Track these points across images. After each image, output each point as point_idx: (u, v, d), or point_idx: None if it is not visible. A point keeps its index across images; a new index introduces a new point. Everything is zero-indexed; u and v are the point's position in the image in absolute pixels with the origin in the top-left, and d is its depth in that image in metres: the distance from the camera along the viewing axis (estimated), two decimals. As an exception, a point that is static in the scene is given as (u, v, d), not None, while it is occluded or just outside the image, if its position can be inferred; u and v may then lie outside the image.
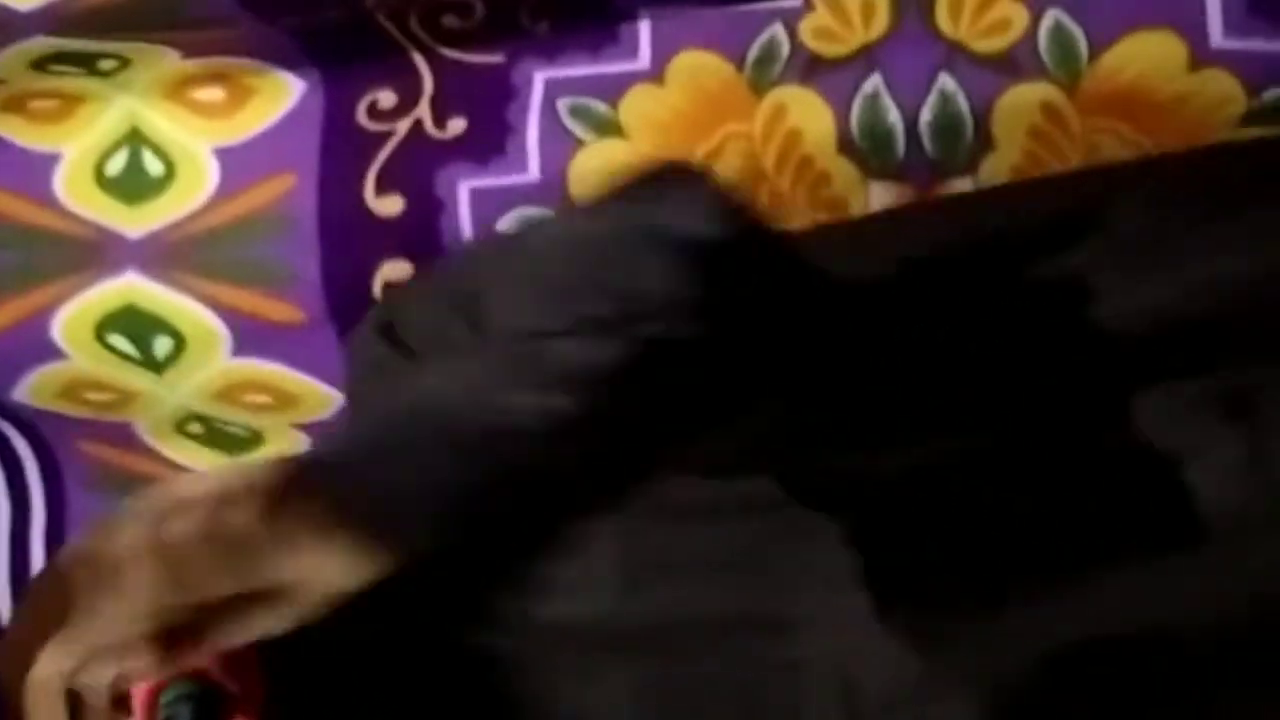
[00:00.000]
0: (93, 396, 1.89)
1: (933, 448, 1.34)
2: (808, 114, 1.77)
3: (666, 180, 1.32)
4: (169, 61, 1.82)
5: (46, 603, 1.40)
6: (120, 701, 1.19)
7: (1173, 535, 1.32)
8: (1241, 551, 1.31)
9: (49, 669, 1.15)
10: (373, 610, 1.21)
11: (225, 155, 1.83)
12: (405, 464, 1.12)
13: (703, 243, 1.27)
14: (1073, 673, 1.33)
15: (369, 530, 1.10)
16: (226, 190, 1.84)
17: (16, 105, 1.84)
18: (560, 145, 1.79)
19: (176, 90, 1.83)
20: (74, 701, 1.19)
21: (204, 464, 1.92)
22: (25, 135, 1.85)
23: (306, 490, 1.09)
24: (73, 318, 1.86)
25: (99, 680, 1.15)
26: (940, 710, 1.34)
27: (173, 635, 1.13)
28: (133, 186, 1.85)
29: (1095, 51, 1.73)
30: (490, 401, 1.15)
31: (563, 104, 1.80)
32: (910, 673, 1.34)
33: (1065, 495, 1.33)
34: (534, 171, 1.80)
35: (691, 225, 1.27)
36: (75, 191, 1.85)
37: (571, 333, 1.20)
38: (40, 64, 1.80)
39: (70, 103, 1.84)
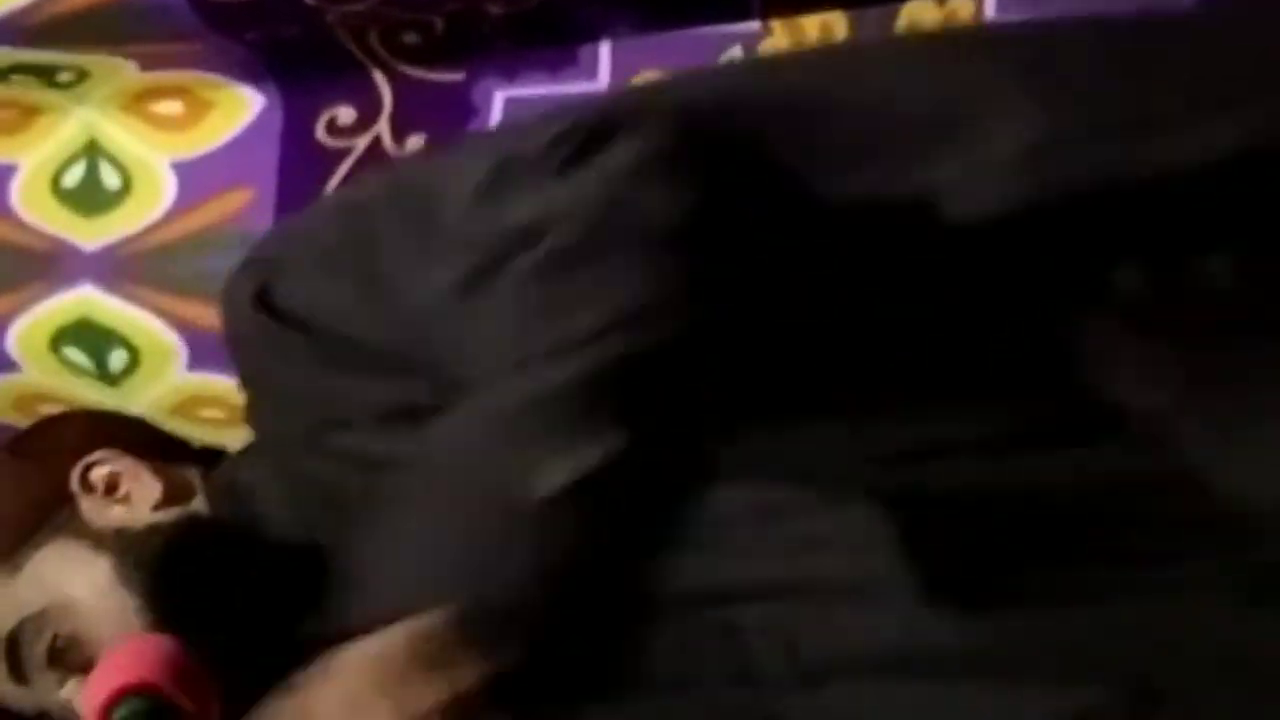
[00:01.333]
0: (47, 409, 1.87)
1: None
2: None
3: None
4: (128, 74, 1.82)
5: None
6: None
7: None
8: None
9: None
10: None
11: (183, 169, 1.83)
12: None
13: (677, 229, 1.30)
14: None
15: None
16: (184, 204, 1.84)
17: (-26, 116, 1.84)
18: (519, 164, 1.79)
19: (135, 103, 1.83)
20: None
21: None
22: (-18, 146, 1.85)
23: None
24: (27, 330, 1.86)
25: None
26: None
27: None
28: (89, 199, 1.85)
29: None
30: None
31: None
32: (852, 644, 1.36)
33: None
34: (492, 190, 1.80)
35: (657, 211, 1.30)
36: (31, 203, 1.85)
37: (560, 355, 1.24)
38: (-1, 75, 1.81)
39: (28, 114, 1.84)
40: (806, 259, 1.37)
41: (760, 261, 1.34)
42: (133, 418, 1.66)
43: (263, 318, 1.44)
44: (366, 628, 1.21)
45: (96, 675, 1.28)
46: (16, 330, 1.86)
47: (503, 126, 1.73)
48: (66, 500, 1.50)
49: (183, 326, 1.84)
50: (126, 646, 1.33)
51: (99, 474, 1.51)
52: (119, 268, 1.85)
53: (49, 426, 1.63)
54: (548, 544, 1.21)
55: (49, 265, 1.85)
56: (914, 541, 1.35)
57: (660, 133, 1.34)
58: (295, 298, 1.43)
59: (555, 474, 1.21)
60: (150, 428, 1.62)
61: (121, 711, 1.24)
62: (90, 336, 1.85)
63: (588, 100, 1.75)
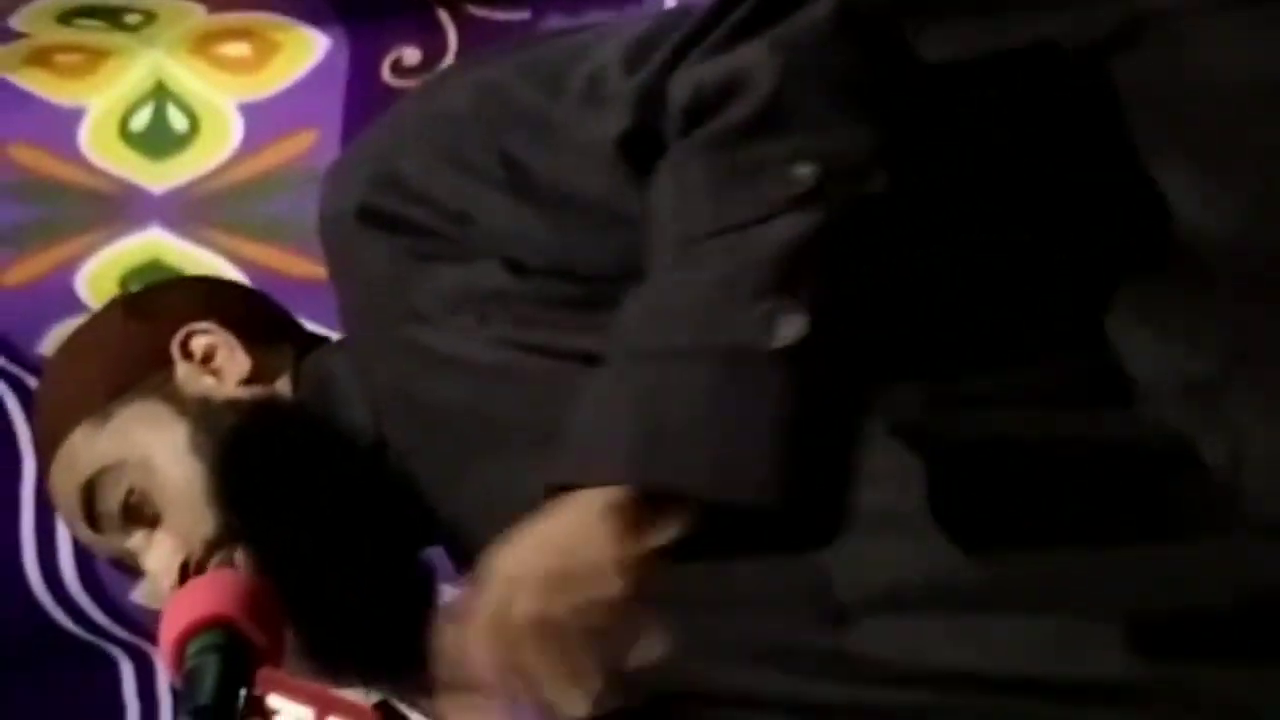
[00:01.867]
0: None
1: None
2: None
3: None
4: (195, 16, 1.82)
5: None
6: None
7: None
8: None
9: None
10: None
11: (250, 111, 1.84)
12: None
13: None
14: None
15: None
16: (250, 146, 1.84)
17: (42, 59, 1.85)
18: (585, 101, 1.79)
19: (202, 45, 1.84)
20: None
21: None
22: (50, 89, 1.86)
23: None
24: (97, 272, 1.87)
25: None
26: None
27: None
28: (158, 141, 1.85)
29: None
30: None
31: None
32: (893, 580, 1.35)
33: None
34: (558, 128, 1.80)
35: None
36: (100, 146, 1.86)
37: (777, 215, 1.22)
38: (66, 18, 1.81)
39: (95, 57, 1.85)
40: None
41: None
42: (252, 292, 1.66)
43: (360, 225, 1.43)
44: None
45: (172, 608, 1.29)
46: (87, 272, 1.87)
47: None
48: (165, 363, 1.53)
49: (250, 267, 1.85)
50: (202, 580, 1.35)
51: (199, 343, 1.53)
52: (187, 210, 1.85)
53: (166, 289, 1.64)
54: (784, 395, 1.20)
55: (118, 208, 1.86)
56: (944, 481, 1.34)
57: (830, 2, 1.31)
58: (404, 181, 1.41)
59: (786, 328, 1.20)
60: (266, 305, 1.62)
61: (196, 645, 1.25)
62: (159, 278, 1.86)
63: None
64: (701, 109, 1.28)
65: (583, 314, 1.28)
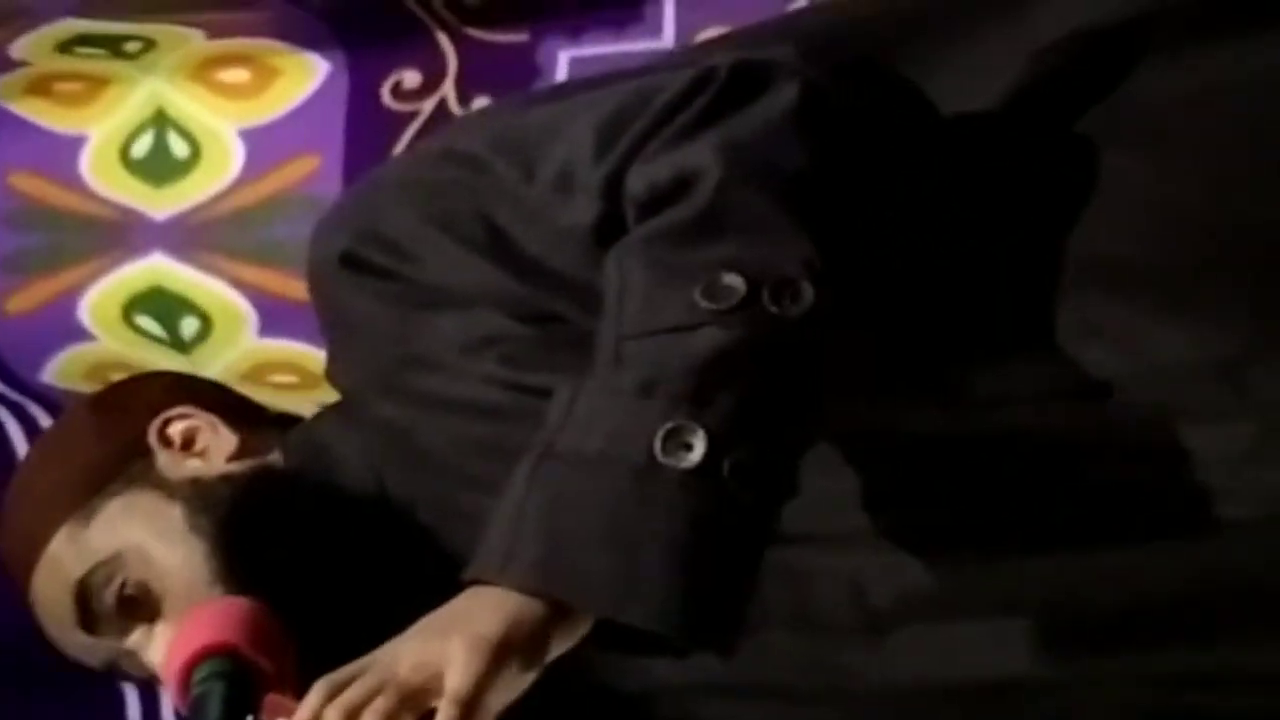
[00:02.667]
0: (119, 378, 1.89)
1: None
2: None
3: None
4: (194, 43, 1.82)
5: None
6: None
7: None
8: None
9: None
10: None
11: (250, 136, 1.84)
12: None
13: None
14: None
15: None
16: (252, 171, 1.84)
17: (43, 88, 1.85)
18: (584, 124, 1.79)
19: (201, 72, 1.84)
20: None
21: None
22: (51, 118, 1.86)
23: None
24: (100, 299, 1.87)
25: None
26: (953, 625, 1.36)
27: None
28: (159, 168, 1.86)
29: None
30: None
31: (594, 79, 1.80)
32: (915, 590, 1.35)
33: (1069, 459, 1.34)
34: (559, 151, 1.80)
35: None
36: (101, 173, 1.86)
37: (701, 325, 1.23)
38: (65, 47, 1.81)
39: (96, 85, 1.85)
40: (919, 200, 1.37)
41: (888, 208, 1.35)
42: (212, 381, 1.67)
43: (346, 273, 1.44)
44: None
45: (178, 636, 1.29)
46: (89, 300, 1.87)
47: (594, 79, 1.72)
48: (143, 454, 1.51)
49: (253, 293, 1.85)
50: (208, 608, 1.34)
51: (177, 428, 1.52)
52: (189, 236, 1.85)
53: (130, 384, 1.64)
54: (686, 516, 1.20)
55: (120, 235, 1.86)
56: (964, 487, 1.34)
57: (794, 89, 1.32)
58: (389, 239, 1.42)
59: (694, 448, 1.20)
60: (229, 392, 1.63)
61: (202, 672, 1.25)
62: (162, 304, 1.86)
63: (656, 58, 1.75)
64: (653, 205, 1.29)
65: (584, 355, 1.28)
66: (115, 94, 1.85)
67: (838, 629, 1.39)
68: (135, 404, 1.55)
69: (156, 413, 1.52)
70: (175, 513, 1.47)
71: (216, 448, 1.51)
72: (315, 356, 1.84)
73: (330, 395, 1.86)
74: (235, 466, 1.50)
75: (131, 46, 1.82)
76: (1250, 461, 1.31)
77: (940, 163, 1.38)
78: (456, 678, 1.18)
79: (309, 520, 1.47)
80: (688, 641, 1.21)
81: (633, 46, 1.79)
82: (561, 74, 1.80)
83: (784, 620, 1.39)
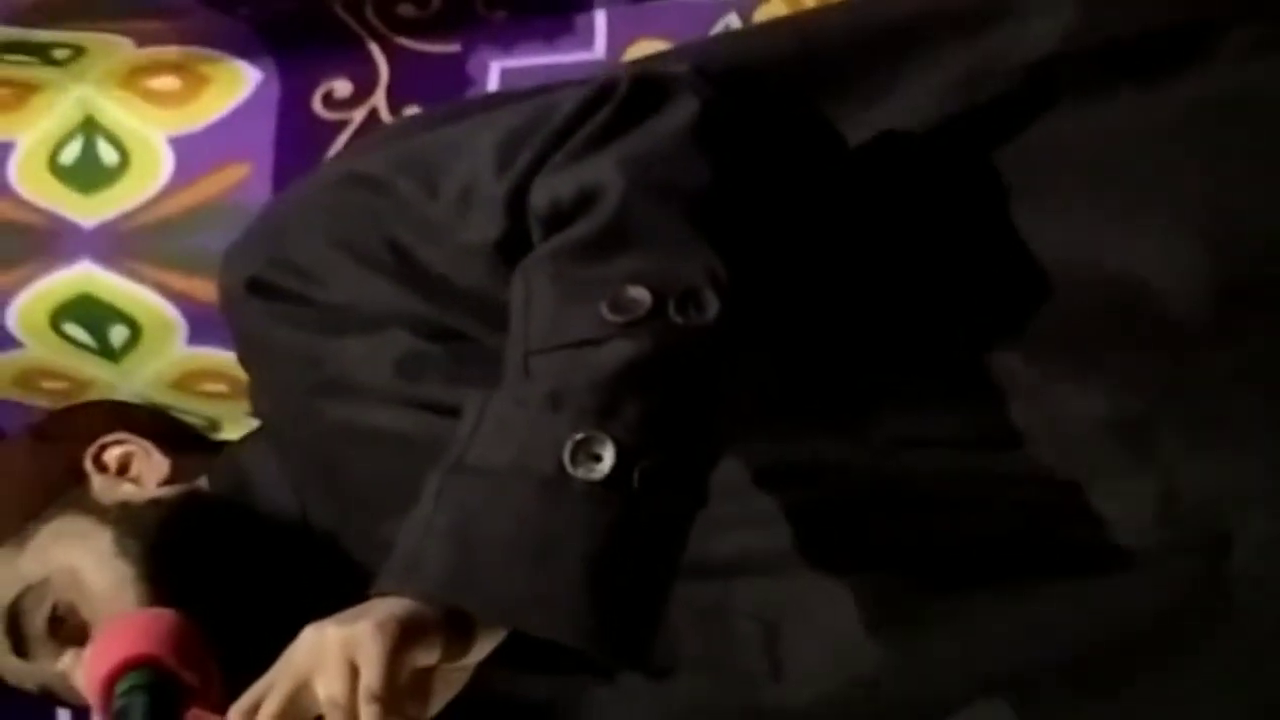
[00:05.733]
0: (49, 385, 1.88)
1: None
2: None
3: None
4: (123, 50, 1.81)
5: None
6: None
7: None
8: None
9: None
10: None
11: (180, 144, 1.83)
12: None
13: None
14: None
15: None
16: (181, 179, 1.83)
17: (-29, 94, 1.84)
18: (516, 134, 1.79)
19: (131, 79, 1.83)
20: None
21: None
22: (-21, 124, 1.85)
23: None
24: (28, 306, 1.86)
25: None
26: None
27: None
28: (87, 175, 1.84)
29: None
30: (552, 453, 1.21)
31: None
32: (827, 629, 1.37)
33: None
34: (489, 161, 1.80)
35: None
36: (29, 180, 1.85)
37: (608, 338, 1.23)
38: (-6, 53, 1.80)
39: (24, 91, 1.84)
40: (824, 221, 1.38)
41: (787, 232, 1.35)
42: (151, 408, 1.68)
43: (257, 300, 1.45)
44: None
45: (98, 647, 1.29)
46: (17, 307, 1.86)
47: (494, 95, 1.73)
48: (81, 480, 1.52)
49: (182, 301, 1.84)
50: (129, 619, 1.34)
51: (113, 454, 1.54)
52: (118, 244, 1.84)
53: (70, 413, 1.66)
54: (594, 528, 1.20)
55: (48, 242, 1.85)
56: (868, 523, 1.35)
57: (694, 103, 1.33)
58: (297, 264, 1.43)
59: (601, 459, 1.21)
60: (167, 418, 1.65)
61: (124, 685, 1.25)
62: (91, 312, 1.85)
63: (583, 70, 1.75)
64: (556, 221, 1.29)
65: (492, 373, 1.28)
66: (44, 100, 1.84)
67: (745, 671, 1.39)
68: (73, 432, 1.57)
69: (94, 439, 1.53)
70: (105, 535, 1.48)
71: (149, 473, 1.53)
72: (245, 365, 1.84)
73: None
74: (164, 491, 1.52)
75: (60, 54, 1.81)
76: (1154, 524, 1.33)
77: (849, 188, 1.39)
78: (367, 670, 1.18)
79: (233, 546, 1.49)
80: (597, 653, 1.21)
81: (564, 58, 1.79)
82: (493, 84, 1.80)
83: (694, 662, 1.39)
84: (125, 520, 1.49)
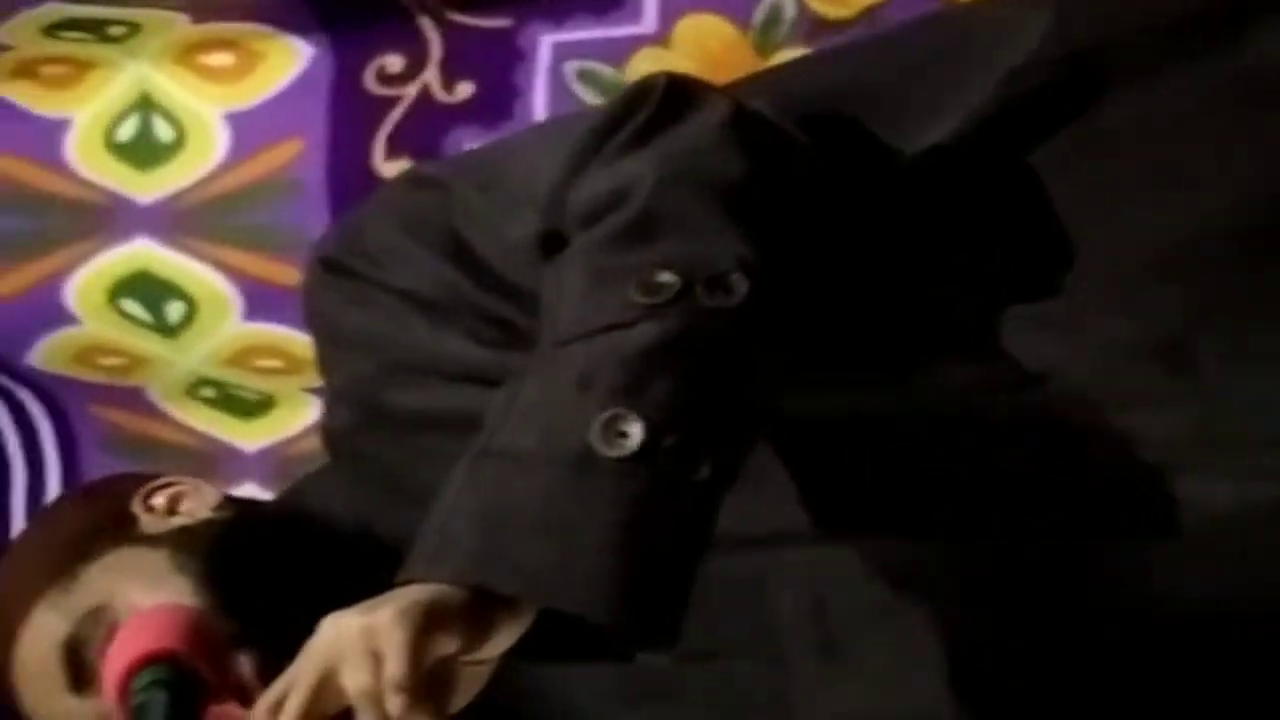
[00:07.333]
0: (105, 361, 1.90)
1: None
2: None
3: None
4: (179, 27, 1.82)
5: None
6: None
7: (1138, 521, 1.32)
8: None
9: None
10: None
11: (235, 120, 1.84)
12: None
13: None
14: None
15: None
16: (236, 155, 1.84)
17: (28, 71, 1.85)
18: (567, 108, 1.78)
19: (186, 55, 1.83)
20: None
21: (215, 428, 1.94)
22: (36, 101, 1.86)
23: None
24: (85, 283, 1.87)
25: None
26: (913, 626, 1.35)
27: None
28: (143, 152, 1.85)
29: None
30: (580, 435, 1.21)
31: (569, 67, 1.79)
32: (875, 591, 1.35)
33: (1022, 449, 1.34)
34: (540, 135, 1.79)
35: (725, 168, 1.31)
36: (86, 157, 1.86)
37: (637, 321, 1.24)
38: (51, 30, 1.81)
39: (81, 68, 1.85)
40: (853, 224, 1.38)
41: (817, 223, 1.36)
42: None
43: (331, 279, 1.47)
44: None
45: (118, 643, 1.29)
46: (75, 284, 1.87)
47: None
48: (130, 523, 1.53)
49: (238, 277, 1.85)
50: (147, 614, 1.34)
51: (162, 495, 1.55)
52: (174, 220, 1.85)
53: (118, 475, 1.68)
54: (623, 505, 1.20)
55: (105, 219, 1.86)
56: (911, 473, 1.35)
57: (726, 105, 1.35)
58: (367, 249, 1.46)
59: (630, 436, 1.20)
60: None
61: (142, 680, 1.25)
62: (147, 289, 1.86)
63: (633, 44, 1.75)
64: (592, 217, 1.31)
65: None
66: (100, 77, 1.85)
67: (796, 648, 1.39)
68: (119, 484, 1.58)
69: (140, 486, 1.55)
70: (160, 556, 1.48)
71: (200, 506, 1.54)
72: (301, 341, 1.84)
73: (316, 379, 1.87)
74: (219, 514, 1.53)
75: (116, 30, 1.81)
76: (1193, 445, 1.31)
77: (887, 178, 1.39)
78: (391, 659, 1.18)
79: (294, 556, 1.49)
80: (626, 630, 1.20)
81: (615, 32, 1.78)
82: (544, 59, 1.79)
83: (744, 645, 1.39)
84: (180, 540, 1.49)
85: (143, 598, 1.45)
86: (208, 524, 1.50)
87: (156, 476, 1.57)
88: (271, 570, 1.47)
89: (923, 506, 1.36)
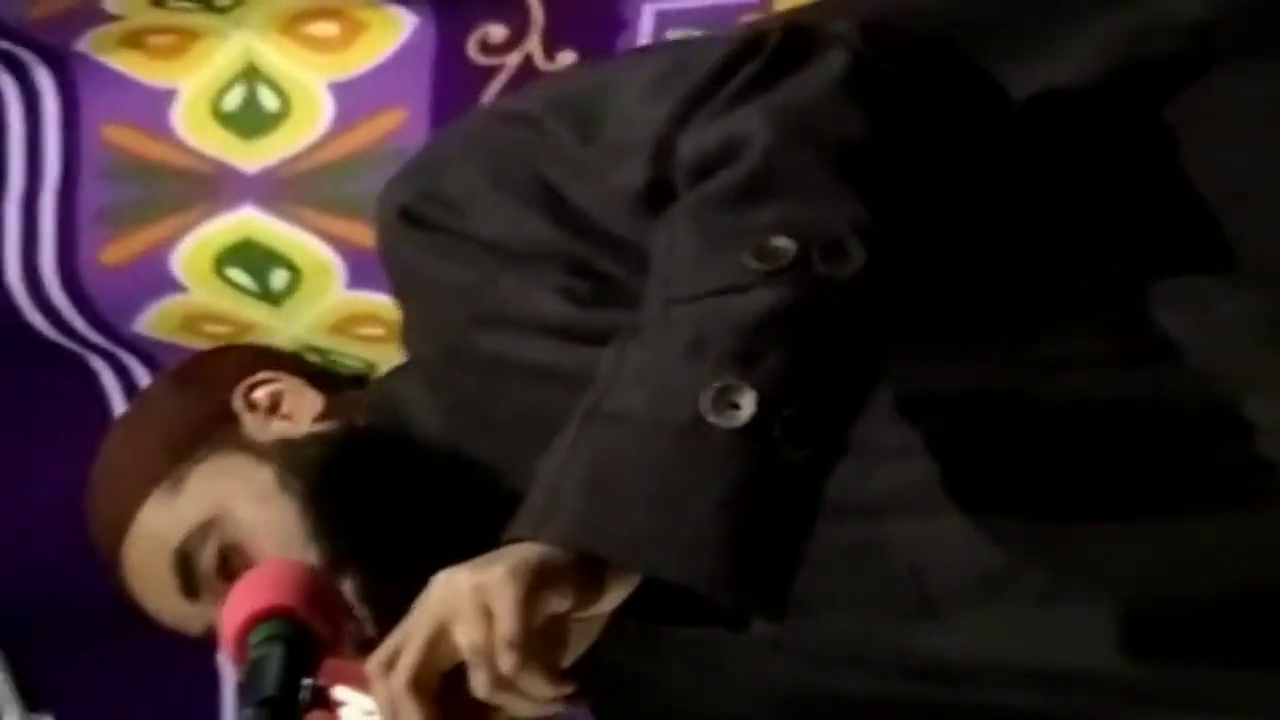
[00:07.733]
0: (212, 329, 1.92)
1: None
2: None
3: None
4: (284, -3, 1.84)
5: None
6: None
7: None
8: None
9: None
10: None
11: (339, 90, 1.85)
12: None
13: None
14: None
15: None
16: (341, 125, 1.85)
17: (135, 41, 1.87)
18: (669, 78, 1.79)
19: (291, 25, 1.85)
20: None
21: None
22: (144, 71, 1.88)
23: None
24: (192, 251, 1.89)
25: None
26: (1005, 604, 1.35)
27: None
28: (249, 121, 1.87)
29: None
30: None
31: (672, 35, 1.79)
32: (978, 567, 1.34)
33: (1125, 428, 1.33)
34: (643, 104, 1.79)
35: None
36: (193, 126, 1.88)
37: (751, 286, 1.23)
38: (158, 0, 1.83)
39: (187, 38, 1.86)
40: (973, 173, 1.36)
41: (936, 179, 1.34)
42: (291, 351, 1.69)
43: (409, 230, 1.45)
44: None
45: (233, 599, 1.30)
46: (181, 252, 1.89)
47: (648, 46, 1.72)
48: (228, 420, 1.53)
49: (342, 246, 1.86)
50: (263, 570, 1.35)
51: (263, 392, 1.53)
52: (279, 189, 1.87)
53: (211, 354, 1.67)
54: (733, 475, 1.20)
55: (211, 187, 1.88)
56: (1023, 450, 1.33)
57: (845, 57, 1.32)
58: (448, 197, 1.43)
59: (742, 407, 1.20)
60: (305, 361, 1.65)
61: (258, 635, 1.26)
62: (252, 257, 1.88)
63: (739, 11, 1.75)
64: (703, 171, 1.29)
65: (635, 315, 1.28)
66: (206, 47, 1.86)
67: (894, 611, 1.38)
68: (218, 373, 1.57)
69: (240, 380, 1.54)
70: (266, 474, 1.48)
71: (302, 409, 1.53)
72: (403, 308, 1.86)
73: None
74: (321, 427, 1.52)
75: (222, 1, 1.83)
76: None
77: (1008, 137, 1.37)
78: (503, 617, 1.18)
79: (396, 480, 1.48)
80: (733, 601, 1.21)
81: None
82: (647, 27, 1.80)
83: (842, 600, 1.38)
84: (285, 457, 1.49)
85: (250, 515, 1.47)
86: (313, 441, 1.50)
87: (254, 368, 1.55)
88: (372, 491, 1.48)
89: (1035, 485, 1.34)
